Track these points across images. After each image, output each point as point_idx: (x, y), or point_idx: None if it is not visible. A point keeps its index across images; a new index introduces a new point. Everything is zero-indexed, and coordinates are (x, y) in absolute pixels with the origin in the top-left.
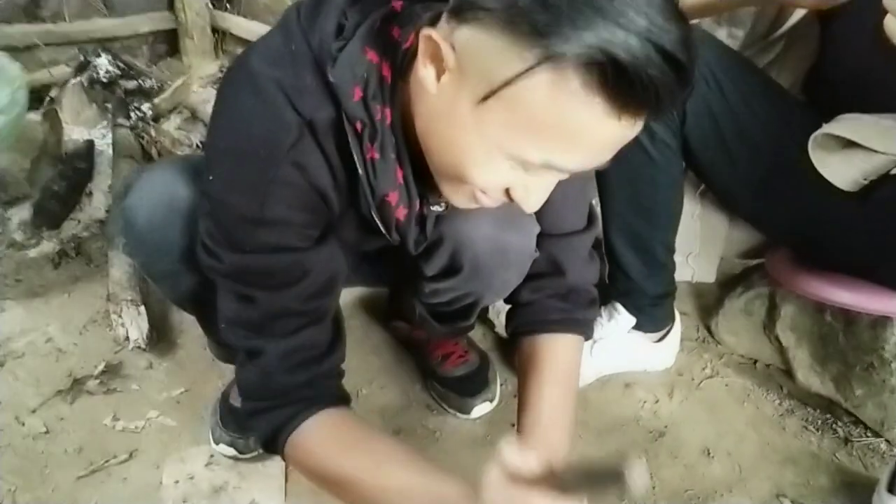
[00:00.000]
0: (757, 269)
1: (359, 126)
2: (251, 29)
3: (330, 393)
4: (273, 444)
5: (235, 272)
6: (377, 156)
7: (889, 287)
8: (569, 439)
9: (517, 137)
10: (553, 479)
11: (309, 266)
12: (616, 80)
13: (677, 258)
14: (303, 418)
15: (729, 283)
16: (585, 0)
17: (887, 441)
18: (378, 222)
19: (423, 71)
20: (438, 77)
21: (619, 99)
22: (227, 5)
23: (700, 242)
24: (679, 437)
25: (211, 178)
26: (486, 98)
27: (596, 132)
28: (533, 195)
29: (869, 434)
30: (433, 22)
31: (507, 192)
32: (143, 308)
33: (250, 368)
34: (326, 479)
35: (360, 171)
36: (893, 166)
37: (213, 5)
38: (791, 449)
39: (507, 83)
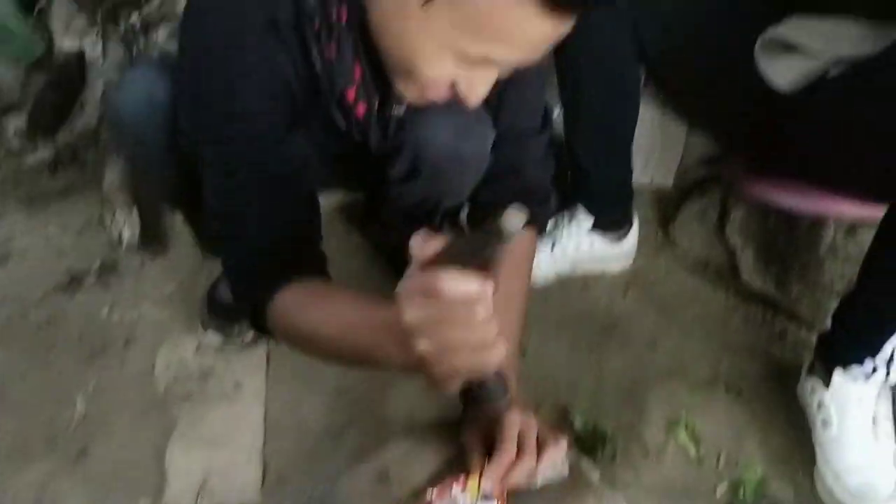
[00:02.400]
0: (713, 176)
1: (316, 25)
2: None
3: (308, 259)
4: (259, 319)
5: (213, 161)
6: (334, 53)
7: (825, 188)
8: (521, 323)
9: (460, 34)
10: (449, 252)
11: (280, 152)
12: None
13: (637, 162)
14: (283, 285)
15: (687, 189)
16: None
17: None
18: (338, 118)
19: None
20: None
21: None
22: None
23: (659, 147)
24: (629, 330)
25: (185, 75)
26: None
27: (529, 29)
28: (476, 89)
29: (803, 329)
30: None
31: (452, 86)
32: (135, 210)
33: (233, 249)
34: (299, 336)
35: (317, 67)
36: (830, 69)
37: None
38: (731, 342)
39: None
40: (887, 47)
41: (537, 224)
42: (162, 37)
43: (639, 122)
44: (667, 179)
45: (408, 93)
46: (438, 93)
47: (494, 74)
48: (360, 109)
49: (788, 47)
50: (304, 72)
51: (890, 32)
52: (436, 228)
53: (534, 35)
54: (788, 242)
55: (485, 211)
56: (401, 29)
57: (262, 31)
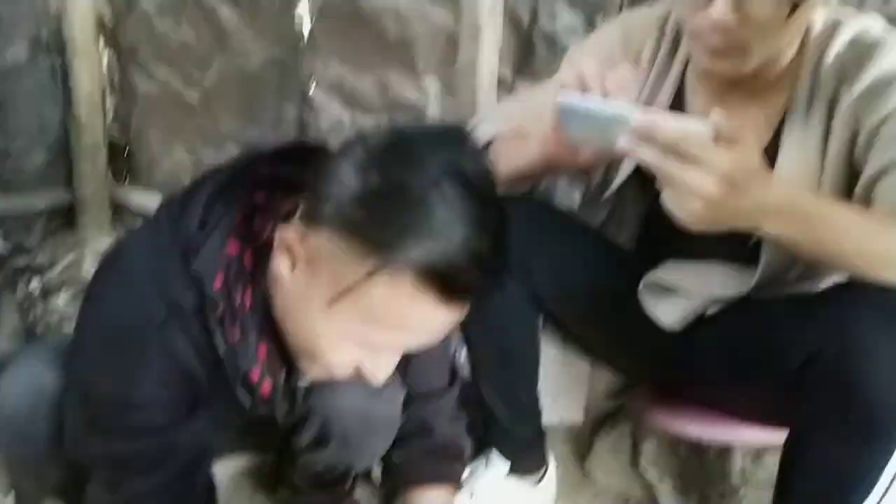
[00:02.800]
0: (621, 408)
1: (219, 310)
2: (150, 204)
3: None
4: None
5: (102, 459)
6: (238, 337)
7: (726, 416)
8: None
9: (362, 328)
10: None
11: (177, 445)
12: (441, 282)
13: (544, 401)
14: None
15: (598, 423)
16: (410, 216)
17: None
18: (243, 398)
19: (279, 264)
20: (292, 269)
21: (444, 295)
22: (126, 179)
23: (565, 385)
24: None
25: (79, 365)
26: (334, 300)
27: (429, 320)
28: (380, 370)
29: None
30: (290, 215)
31: (357, 367)
32: (10, 498)
33: None
34: None
35: (220, 351)
36: (708, 307)
37: (113, 178)
38: None
39: (351, 288)
40: (751, 289)
41: (452, 482)
42: (63, 302)
43: (542, 363)
44: (576, 416)
45: (312, 371)
46: (343, 373)
47: (398, 356)
48: (266, 388)
49: (668, 289)
50: (206, 356)
51: (751, 275)
52: (348, 491)
53: (434, 323)
54: (700, 472)
55: (398, 471)
56: (305, 319)
57: (163, 321)
